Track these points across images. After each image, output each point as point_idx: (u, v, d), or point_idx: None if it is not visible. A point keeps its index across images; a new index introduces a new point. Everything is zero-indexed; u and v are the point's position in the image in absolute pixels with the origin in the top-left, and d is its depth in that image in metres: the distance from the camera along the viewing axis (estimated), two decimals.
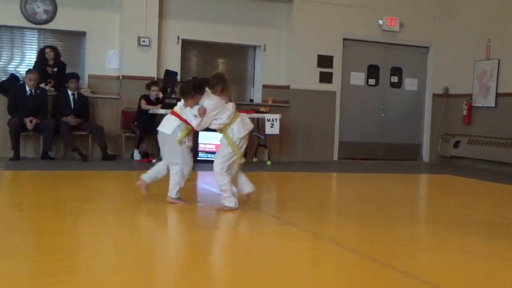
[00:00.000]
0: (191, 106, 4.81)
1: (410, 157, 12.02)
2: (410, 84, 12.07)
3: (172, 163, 5.00)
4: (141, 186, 4.96)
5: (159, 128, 5.11)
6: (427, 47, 12.03)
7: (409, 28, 11.71)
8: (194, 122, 4.81)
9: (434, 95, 12.09)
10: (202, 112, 4.76)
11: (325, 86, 11.22)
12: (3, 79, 9.58)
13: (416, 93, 12.14)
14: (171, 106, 9.23)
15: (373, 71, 11.77)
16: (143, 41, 10.02)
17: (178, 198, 4.97)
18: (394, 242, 3.91)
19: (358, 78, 11.66)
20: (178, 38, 10.49)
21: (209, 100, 4.84)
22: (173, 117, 5.04)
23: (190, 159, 5.07)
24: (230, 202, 4.69)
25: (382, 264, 3.14)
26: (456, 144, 11.38)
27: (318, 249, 3.64)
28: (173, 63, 10.42)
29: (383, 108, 11.85)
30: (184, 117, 4.95)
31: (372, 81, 11.79)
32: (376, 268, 3.10)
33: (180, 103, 5.07)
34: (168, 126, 5.03)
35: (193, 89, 4.81)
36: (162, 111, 9.11)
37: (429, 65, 12.09)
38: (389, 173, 9.14)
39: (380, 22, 11.51)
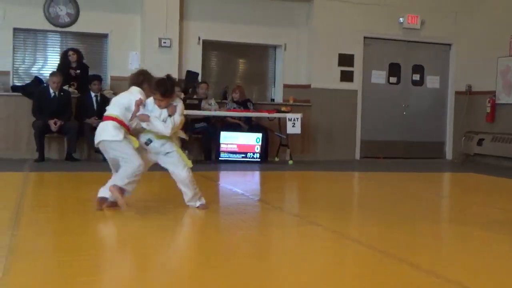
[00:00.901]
0: (165, 107, 4.57)
1: (433, 156, 11.93)
2: (432, 81, 11.98)
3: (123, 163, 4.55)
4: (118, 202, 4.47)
5: (102, 139, 4.58)
6: (449, 44, 11.92)
7: (431, 26, 11.62)
8: (167, 125, 4.54)
9: (457, 93, 11.98)
10: (173, 111, 4.56)
11: (346, 85, 11.19)
12: (28, 82, 9.70)
13: (438, 90, 12.04)
14: (192, 106, 9.34)
15: (394, 69, 11.70)
16: (164, 42, 10.09)
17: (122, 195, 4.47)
18: (418, 241, 3.89)
19: (379, 76, 11.60)
20: (199, 38, 10.53)
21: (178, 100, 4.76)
22: (110, 123, 4.56)
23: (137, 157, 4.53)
24: (202, 199, 4.71)
25: (406, 263, 3.13)
26: (480, 142, 11.26)
27: (341, 248, 3.64)
28: (194, 63, 10.47)
29: (405, 106, 11.78)
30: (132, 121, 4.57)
31: (393, 79, 11.73)
32: (400, 267, 3.09)
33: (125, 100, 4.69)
34: (110, 133, 4.52)
35: (173, 87, 4.67)
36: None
37: (451, 62, 11.99)
38: (411, 172, 9.08)
39: (401, 19, 11.44)
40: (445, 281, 2.82)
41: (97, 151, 9.20)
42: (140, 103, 4.56)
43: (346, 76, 11.21)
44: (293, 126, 9.59)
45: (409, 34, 11.58)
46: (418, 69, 11.88)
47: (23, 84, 9.68)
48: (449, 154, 12.06)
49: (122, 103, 4.63)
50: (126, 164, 4.48)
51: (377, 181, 7.88)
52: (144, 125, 4.56)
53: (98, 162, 9.08)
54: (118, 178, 4.47)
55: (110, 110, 4.62)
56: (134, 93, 4.67)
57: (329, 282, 2.83)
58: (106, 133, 4.51)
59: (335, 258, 3.40)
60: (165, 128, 4.52)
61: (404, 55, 11.72)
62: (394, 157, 11.44)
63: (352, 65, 11.23)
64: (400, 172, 9.04)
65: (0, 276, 2.68)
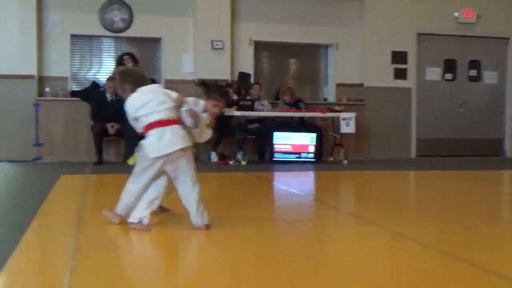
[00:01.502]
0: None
1: (491, 153, 11.64)
2: (489, 77, 11.70)
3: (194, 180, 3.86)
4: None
5: (174, 148, 3.80)
6: (507, 38, 11.63)
7: (487, 20, 11.35)
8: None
9: None
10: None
11: (400, 83, 11.06)
12: (85, 86, 9.96)
13: (496, 86, 11.76)
14: (246, 108, 9.41)
15: (449, 66, 11.49)
16: (216, 44, 10.19)
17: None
18: (478, 241, 3.81)
19: (434, 73, 11.41)
20: (250, 40, 10.60)
21: None
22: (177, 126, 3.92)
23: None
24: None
25: (468, 263, 3.08)
26: None
27: (401, 248, 3.60)
28: (246, 65, 10.55)
29: (462, 103, 11.54)
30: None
31: (449, 76, 11.52)
32: (462, 267, 3.04)
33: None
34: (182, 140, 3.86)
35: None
36: (237, 113, 9.23)
37: (509, 56, 11.70)
38: (470, 170, 8.89)
39: (456, 14, 11.23)
40: (509, 282, 2.76)
41: None
42: (181, 98, 4.06)
43: (400, 74, 11.08)
44: (347, 126, 9.54)
45: (464, 29, 11.34)
46: (474, 64, 11.62)
47: (81, 89, 9.94)
48: (509, 152, 11.75)
49: (166, 101, 4.05)
50: (196, 185, 3.84)
51: (434, 179, 7.75)
52: (188, 123, 4.01)
53: None
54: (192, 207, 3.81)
55: (168, 112, 3.97)
56: (162, 89, 4.22)
57: (391, 282, 2.81)
58: (182, 140, 3.84)
59: (395, 258, 3.37)
60: (207, 134, 4.17)
61: (460, 50, 11.49)
62: (451, 155, 11.22)
63: (405, 62, 11.09)
64: (458, 170, 8.86)
65: (67, 275, 2.77)
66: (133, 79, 4.11)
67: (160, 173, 3.87)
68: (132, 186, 3.91)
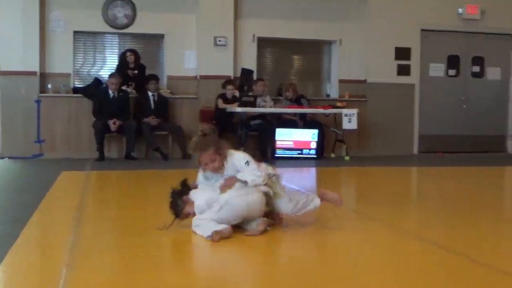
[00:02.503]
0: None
1: (494, 149, 11.58)
2: (492, 73, 11.63)
3: None
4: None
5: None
6: (510, 34, 11.55)
7: (491, 16, 11.28)
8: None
9: None
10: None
11: (403, 79, 11.00)
12: (88, 83, 9.94)
13: (499, 82, 11.69)
14: (248, 104, 9.37)
15: (453, 62, 11.42)
16: (219, 40, 10.15)
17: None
18: (480, 237, 3.78)
19: (437, 69, 11.35)
20: (254, 36, 10.55)
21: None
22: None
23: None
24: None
25: (469, 259, 3.04)
26: None
27: (402, 243, 3.57)
28: (249, 61, 10.50)
29: (465, 99, 11.48)
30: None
31: (452, 72, 11.45)
32: (463, 263, 3.01)
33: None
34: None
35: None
36: (239, 109, 9.20)
37: None
38: (472, 166, 8.84)
39: (460, 10, 11.15)
40: (507, 276, 2.73)
41: (155, 149, 9.43)
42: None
43: (403, 70, 11.02)
44: (349, 122, 9.49)
45: (468, 25, 11.27)
46: (478, 60, 11.55)
47: (84, 85, 9.92)
48: (511, 148, 11.69)
49: None
50: None
51: (436, 175, 7.71)
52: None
53: (156, 160, 9.24)
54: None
55: None
56: None
57: (392, 277, 2.78)
58: None
59: (397, 254, 3.33)
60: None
61: (463, 46, 11.42)
62: (454, 151, 11.16)
63: (409, 58, 11.03)
64: (460, 166, 8.81)
65: (64, 272, 2.74)
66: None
67: None
68: None
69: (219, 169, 3.82)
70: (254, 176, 3.70)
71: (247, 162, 3.77)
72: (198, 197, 3.81)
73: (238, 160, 3.81)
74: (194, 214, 3.77)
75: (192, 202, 3.80)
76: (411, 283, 2.67)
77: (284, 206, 3.82)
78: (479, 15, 11.20)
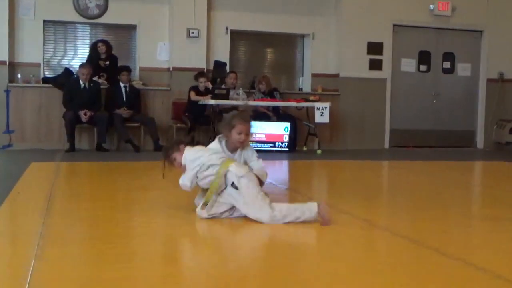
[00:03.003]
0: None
1: (463, 144, 11.76)
2: (463, 69, 11.79)
3: None
4: None
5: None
6: (481, 31, 11.72)
7: (462, 12, 11.43)
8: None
9: (489, 80, 11.78)
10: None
11: (375, 74, 11.09)
12: (58, 73, 9.81)
13: (469, 78, 11.85)
14: (221, 96, 9.34)
15: (424, 57, 11.55)
16: (192, 32, 10.10)
17: None
18: (449, 230, 3.83)
19: (409, 64, 11.46)
20: (227, 29, 10.52)
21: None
22: None
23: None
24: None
25: (438, 252, 3.08)
26: None
27: (372, 237, 3.60)
28: (222, 54, 10.48)
29: (435, 94, 11.62)
30: None
31: (423, 67, 11.58)
32: (432, 256, 3.04)
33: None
34: None
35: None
36: (212, 101, 9.17)
37: (482, 49, 11.78)
38: (442, 161, 8.96)
39: (431, 7, 11.28)
40: (478, 269, 2.77)
41: (127, 141, 9.35)
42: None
43: (375, 65, 11.10)
44: (321, 115, 9.53)
45: (439, 21, 11.40)
46: (448, 56, 11.70)
47: (54, 75, 9.78)
48: (480, 143, 11.88)
49: None
50: None
51: (407, 170, 7.79)
52: None
53: (127, 152, 9.17)
54: None
55: None
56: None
57: (361, 270, 2.79)
58: None
59: (366, 247, 3.36)
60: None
61: (435, 42, 11.56)
62: (424, 146, 11.30)
63: (381, 53, 11.11)
64: (430, 161, 8.92)
65: (33, 262, 2.70)
66: None
67: None
68: None
69: (245, 146, 3.96)
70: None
71: (258, 157, 4.00)
72: (196, 154, 3.82)
73: (252, 151, 4.01)
74: (179, 165, 3.85)
75: (183, 152, 3.86)
76: (381, 276, 2.69)
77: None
78: (450, 12, 11.34)
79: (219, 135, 4.01)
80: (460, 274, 2.71)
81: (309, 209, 3.67)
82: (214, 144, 4.00)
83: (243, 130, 3.85)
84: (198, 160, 3.77)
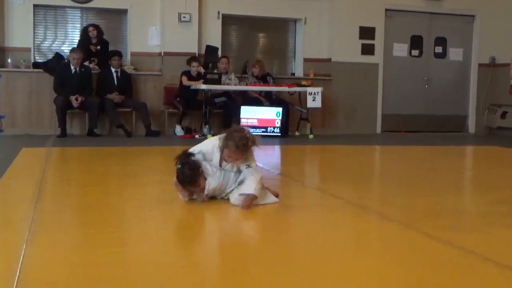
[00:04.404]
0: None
1: (455, 129, 11.80)
2: (455, 54, 11.80)
3: None
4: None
5: None
6: (473, 16, 11.71)
7: None
8: None
9: (480, 65, 11.80)
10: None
11: (367, 58, 11.08)
12: (49, 58, 9.75)
13: (461, 63, 11.87)
14: (212, 81, 9.32)
15: (416, 42, 11.55)
16: (184, 17, 10.04)
17: None
18: (440, 214, 3.85)
19: (401, 49, 11.45)
20: (219, 13, 10.47)
21: None
22: None
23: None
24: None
25: (427, 236, 3.10)
26: (503, 115, 11.11)
27: (364, 221, 3.61)
28: (214, 38, 10.43)
29: (427, 79, 11.64)
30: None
31: (415, 52, 11.58)
32: (423, 240, 3.06)
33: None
34: None
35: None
36: (204, 86, 9.15)
37: (474, 34, 11.78)
38: (433, 146, 8.99)
39: None
40: (467, 252, 2.79)
41: (118, 126, 9.32)
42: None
43: (367, 49, 11.09)
44: (313, 100, 9.54)
45: (431, 6, 11.39)
46: (440, 41, 11.70)
47: (45, 60, 9.72)
48: (472, 128, 11.93)
49: None
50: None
51: (399, 154, 7.82)
52: None
53: (119, 137, 9.15)
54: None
55: None
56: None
57: (353, 255, 2.81)
58: None
59: (358, 232, 3.38)
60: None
61: (427, 27, 11.55)
62: (416, 130, 11.33)
63: (373, 38, 11.10)
64: (422, 145, 8.95)
65: (24, 247, 2.70)
66: None
67: None
68: None
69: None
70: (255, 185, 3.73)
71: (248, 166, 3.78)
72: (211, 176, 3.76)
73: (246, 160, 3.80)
74: (202, 189, 3.75)
75: (204, 178, 3.74)
76: (372, 260, 2.70)
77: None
78: None
79: (222, 136, 3.81)
80: (450, 257, 2.73)
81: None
82: (213, 142, 3.84)
83: (231, 156, 3.73)
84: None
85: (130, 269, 2.51)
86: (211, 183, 3.76)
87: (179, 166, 3.70)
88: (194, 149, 3.81)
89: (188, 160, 3.72)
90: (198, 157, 3.78)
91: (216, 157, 3.78)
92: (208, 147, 3.81)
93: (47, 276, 2.38)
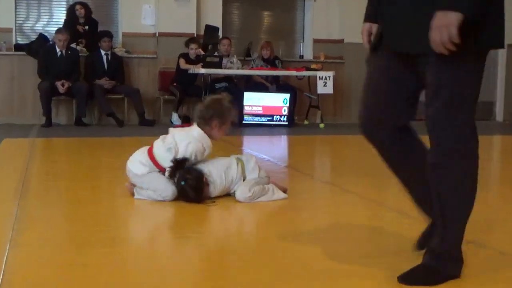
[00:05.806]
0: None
1: (481, 117, 11.76)
2: None
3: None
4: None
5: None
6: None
7: None
8: None
9: (509, 46, 11.73)
10: None
11: None
12: (32, 40, 9.76)
13: None
14: (213, 65, 9.33)
15: None
16: None
17: None
18: None
19: None
20: None
21: None
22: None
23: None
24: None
25: None
26: None
27: (379, 217, 3.63)
28: (214, 17, 10.42)
29: None
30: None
31: None
32: None
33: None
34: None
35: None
36: (203, 70, 9.16)
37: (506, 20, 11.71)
38: None
39: None
40: (486, 249, 2.82)
41: (109, 115, 9.35)
42: None
43: None
44: (324, 86, 9.53)
45: None
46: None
47: (27, 42, 9.74)
48: (499, 115, 11.90)
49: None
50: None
51: None
52: None
53: (110, 126, 9.18)
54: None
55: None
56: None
57: (367, 251, 2.84)
58: None
59: (373, 228, 3.40)
60: None
61: None
62: None
63: None
64: None
65: (7, 248, 2.73)
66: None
67: None
68: None
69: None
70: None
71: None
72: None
73: None
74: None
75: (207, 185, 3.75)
76: (388, 259, 2.73)
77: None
78: None
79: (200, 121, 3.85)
80: (475, 256, 2.76)
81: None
82: (195, 136, 3.83)
83: (227, 131, 3.83)
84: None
85: (121, 270, 2.54)
86: (216, 185, 3.77)
87: (182, 183, 3.69)
88: (182, 153, 3.75)
89: (189, 175, 3.69)
90: (192, 161, 3.77)
91: (208, 145, 3.83)
92: (197, 145, 3.79)
93: (33, 277, 2.41)
